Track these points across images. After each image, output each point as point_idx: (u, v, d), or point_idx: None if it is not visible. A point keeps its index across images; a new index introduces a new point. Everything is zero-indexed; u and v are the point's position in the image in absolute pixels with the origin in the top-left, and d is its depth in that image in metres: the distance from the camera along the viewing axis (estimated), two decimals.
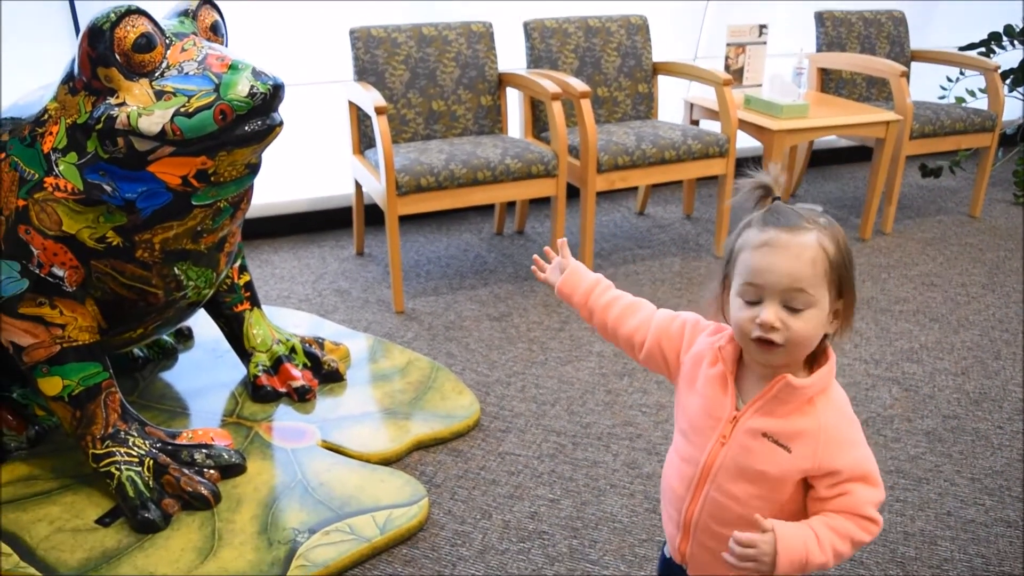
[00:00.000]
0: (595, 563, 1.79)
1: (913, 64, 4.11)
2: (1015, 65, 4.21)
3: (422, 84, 3.18)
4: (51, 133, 1.77)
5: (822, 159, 4.76)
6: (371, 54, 3.11)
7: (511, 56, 3.47)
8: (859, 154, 4.83)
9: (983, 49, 4.20)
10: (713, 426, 1.10)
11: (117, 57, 1.68)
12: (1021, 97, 4.37)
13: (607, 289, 1.29)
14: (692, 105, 3.70)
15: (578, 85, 3.00)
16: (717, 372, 1.11)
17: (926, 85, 4.31)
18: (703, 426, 1.12)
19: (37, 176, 1.77)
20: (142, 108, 1.69)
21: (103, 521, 1.86)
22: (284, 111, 1.84)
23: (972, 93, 4.12)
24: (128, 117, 1.69)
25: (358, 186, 3.26)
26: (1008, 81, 4.16)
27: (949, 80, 4.31)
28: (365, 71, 3.10)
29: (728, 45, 3.73)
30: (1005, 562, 1.80)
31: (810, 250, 1.00)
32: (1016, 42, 4.18)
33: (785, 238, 1.01)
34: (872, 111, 3.46)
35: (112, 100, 1.71)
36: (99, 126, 1.71)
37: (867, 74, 3.95)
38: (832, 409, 1.05)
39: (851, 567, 1.78)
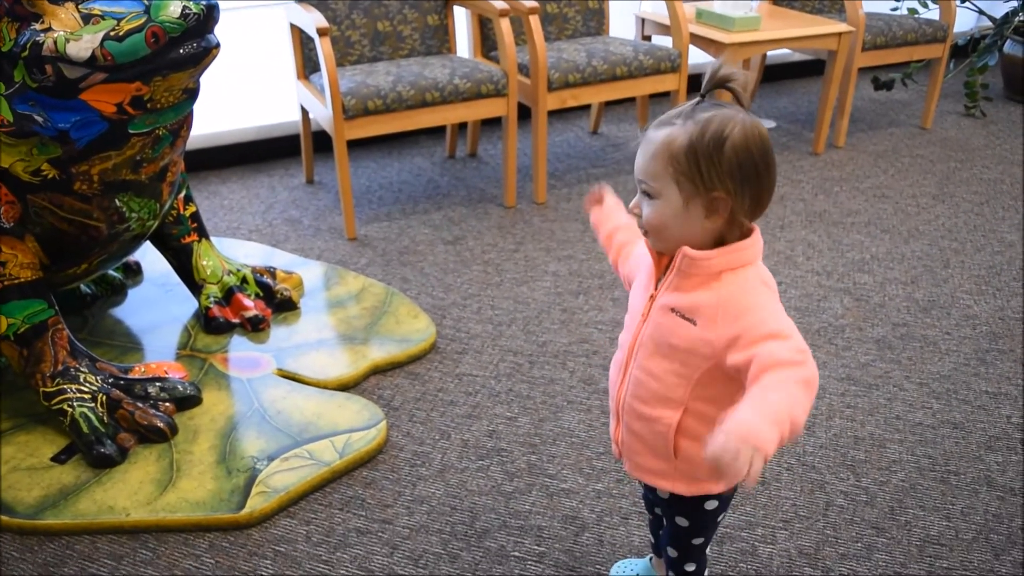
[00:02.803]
0: (553, 477, 1.82)
1: None
2: None
3: (366, 4, 3.09)
4: None
5: (775, 74, 4.74)
6: None
7: None
8: (812, 68, 4.82)
9: None
10: (639, 309, 1.18)
11: None
12: (973, 8, 4.37)
13: (625, 229, 1.34)
14: (643, 20, 3.64)
15: (527, 1, 2.93)
16: (648, 261, 1.17)
17: None
18: (634, 311, 1.20)
19: None
20: (69, 33, 1.62)
21: (59, 458, 1.85)
22: (223, 34, 1.78)
23: (924, 4, 4.10)
24: (55, 43, 1.61)
25: (305, 112, 3.19)
26: None
27: None
28: None
29: None
30: (951, 462, 1.87)
31: (654, 145, 1.07)
32: None
33: (649, 135, 1.09)
34: (824, 23, 3.44)
35: (37, 26, 1.64)
36: (25, 53, 1.64)
37: None
38: (737, 283, 1.07)
39: (803, 472, 1.83)
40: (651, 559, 1.55)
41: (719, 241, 1.09)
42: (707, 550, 1.36)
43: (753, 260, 1.10)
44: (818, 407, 2.04)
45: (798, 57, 4.69)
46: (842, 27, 3.39)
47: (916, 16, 3.88)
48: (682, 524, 1.28)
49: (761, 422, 0.94)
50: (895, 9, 4.16)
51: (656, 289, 1.15)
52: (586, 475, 1.83)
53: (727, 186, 1.05)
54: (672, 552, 1.33)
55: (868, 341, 2.31)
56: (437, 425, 1.99)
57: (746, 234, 1.10)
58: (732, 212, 1.07)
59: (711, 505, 1.25)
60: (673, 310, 1.10)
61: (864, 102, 4.35)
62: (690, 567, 1.35)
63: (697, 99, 1.09)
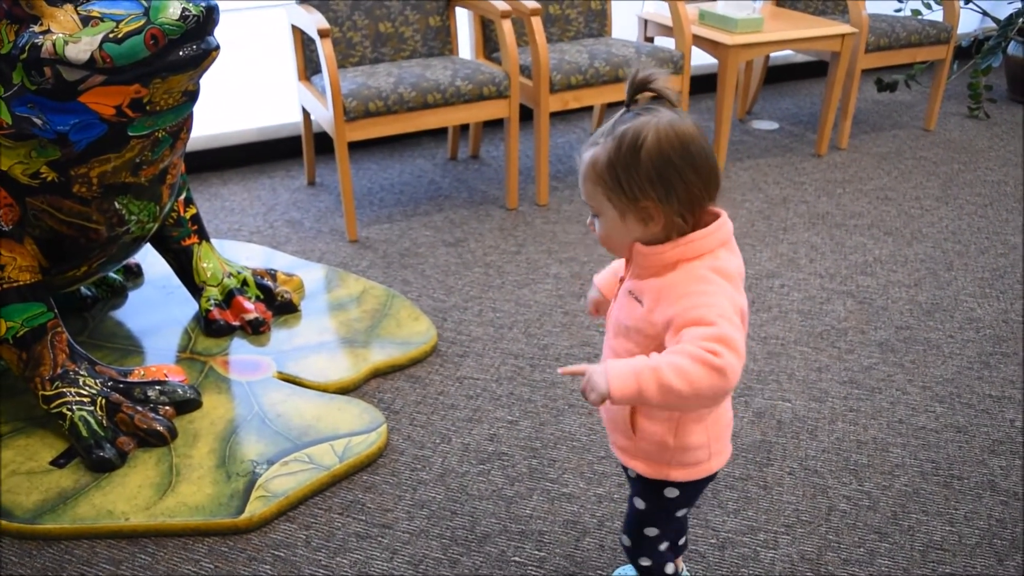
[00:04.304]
0: (555, 481, 1.81)
1: None
2: None
3: (368, 5, 3.08)
4: None
5: (778, 75, 4.73)
6: None
7: None
8: (815, 69, 4.81)
9: None
10: (613, 293, 1.26)
11: None
12: (977, 9, 4.35)
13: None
14: (646, 22, 3.63)
15: (528, 3, 2.92)
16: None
17: None
18: (612, 295, 1.29)
19: None
20: (68, 35, 1.61)
21: (58, 462, 1.84)
22: (223, 36, 1.77)
23: (928, 5, 4.09)
24: (54, 45, 1.61)
25: (306, 114, 3.18)
26: None
27: None
28: None
29: None
30: (954, 466, 1.85)
31: (584, 167, 1.13)
32: None
33: (581, 156, 1.15)
34: (828, 24, 3.42)
35: (36, 28, 1.63)
36: (24, 56, 1.63)
37: None
38: (685, 272, 1.10)
39: (805, 476, 1.82)
40: None
41: (676, 235, 1.11)
42: (664, 551, 1.34)
43: (710, 249, 1.10)
44: (820, 410, 2.03)
45: (801, 58, 4.68)
46: (845, 28, 3.38)
47: (920, 17, 3.87)
48: (639, 506, 1.30)
49: (623, 367, 1.06)
50: (899, 10, 4.15)
51: (625, 273, 1.20)
52: (588, 479, 1.82)
53: (651, 194, 1.08)
54: (626, 540, 1.35)
55: (871, 344, 2.30)
56: (438, 429, 1.98)
57: (709, 222, 1.11)
58: (670, 213, 1.09)
59: (671, 493, 1.25)
60: (630, 292, 1.16)
61: (867, 104, 4.33)
62: (644, 562, 1.35)
63: (622, 111, 1.12)
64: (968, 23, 4.67)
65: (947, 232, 2.95)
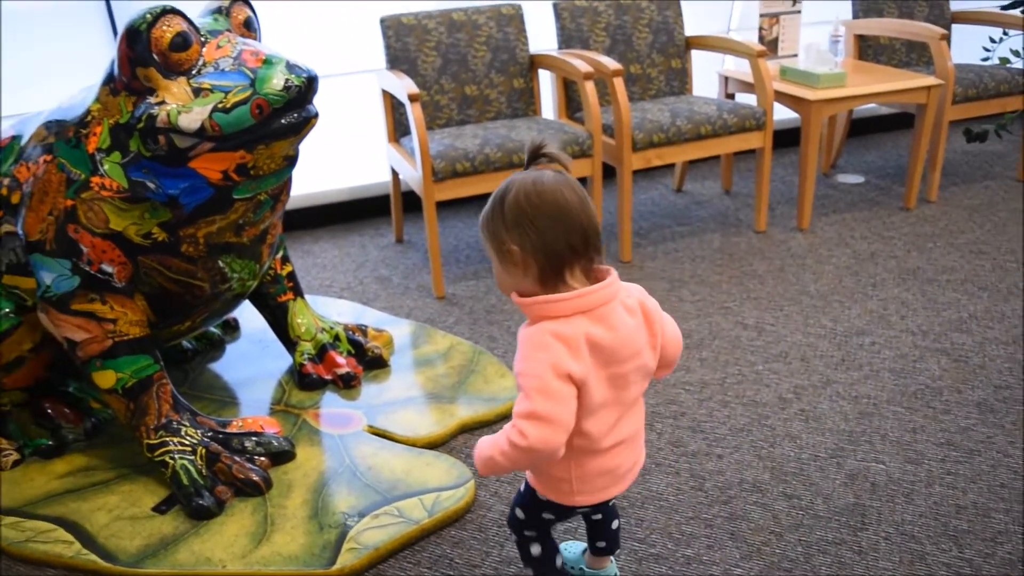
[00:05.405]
0: (642, 541, 1.80)
1: (954, 26, 4.01)
2: None
3: (454, 69, 3.19)
4: (95, 134, 1.81)
5: (862, 128, 4.68)
6: (402, 42, 3.12)
7: (542, 37, 3.46)
8: (901, 121, 4.74)
9: None
10: None
11: (155, 57, 1.72)
12: None
13: None
14: (727, 79, 3.66)
15: (610, 63, 2.98)
16: None
17: (969, 47, 4.20)
18: None
19: (83, 176, 1.82)
20: (181, 106, 1.72)
21: (159, 509, 1.92)
22: (319, 102, 1.86)
23: (1016, 53, 4.00)
24: (168, 115, 1.72)
25: (395, 174, 3.28)
26: None
27: (992, 41, 4.20)
28: (397, 59, 3.12)
29: (761, 16, 3.67)
30: None
31: (479, 222, 1.31)
32: None
33: None
34: (912, 77, 3.39)
35: (152, 99, 1.74)
36: (141, 125, 1.75)
37: (906, 39, 3.86)
38: (535, 331, 1.25)
39: (902, 542, 1.77)
40: (585, 551, 1.70)
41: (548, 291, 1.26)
42: (528, 536, 1.54)
43: (561, 314, 1.24)
44: (916, 473, 1.97)
45: (885, 110, 4.63)
46: (931, 80, 3.34)
47: (1008, 66, 3.80)
48: (521, 489, 1.53)
49: (486, 441, 1.31)
50: (986, 59, 4.07)
51: None
52: (675, 540, 1.80)
53: (511, 236, 1.24)
54: (509, 511, 1.56)
55: (968, 404, 2.23)
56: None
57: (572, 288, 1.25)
58: (533, 262, 1.24)
59: (542, 498, 1.45)
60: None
61: (956, 155, 4.25)
62: (513, 537, 1.58)
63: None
64: None
65: None
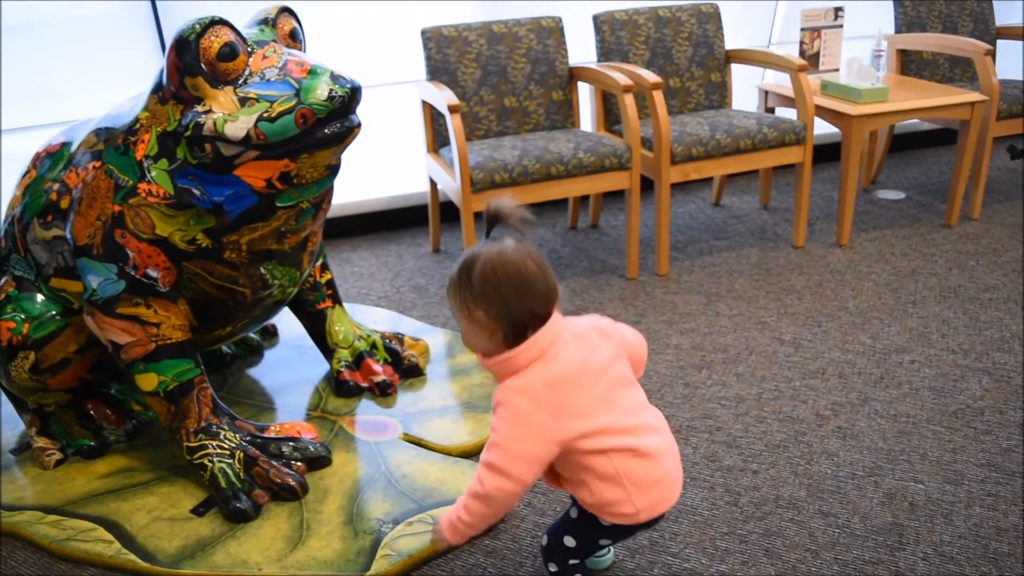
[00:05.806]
0: (676, 555, 1.79)
1: (999, 42, 3.96)
2: None
3: (494, 81, 3.21)
4: (143, 141, 1.85)
5: (904, 143, 4.63)
6: (443, 53, 3.15)
7: (581, 50, 3.47)
8: (943, 137, 4.69)
9: None
10: None
11: (203, 67, 1.75)
12: None
13: None
14: (767, 93, 3.64)
15: (649, 77, 2.98)
16: None
17: (1013, 62, 4.15)
18: None
19: (131, 182, 1.85)
20: (227, 115, 1.75)
21: (198, 511, 1.95)
22: (361, 112, 1.89)
23: None
24: (215, 124, 1.75)
25: (433, 184, 3.31)
26: None
27: None
28: (437, 70, 3.15)
29: (803, 30, 3.66)
30: None
31: (446, 290, 1.41)
32: None
33: None
34: (956, 92, 3.35)
35: (199, 108, 1.78)
36: (188, 133, 1.78)
37: (949, 54, 3.82)
38: (503, 389, 1.36)
39: (940, 563, 1.74)
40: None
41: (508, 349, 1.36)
42: (572, 564, 1.55)
43: (518, 367, 1.35)
44: (956, 493, 1.94)
45: (927, 126, 4.57)
46: (975, 96, 3.30)
47: None
48: (572, 516, 1.53)
49: (448, 512, 1.45)
50: None
51: None
52: (710, 555, 1.79)
53: (479, 305, 1.34)
54: (544, 540, 1.58)
55: (1010, 425, 2.19)
56: (558, 496, 1.99)
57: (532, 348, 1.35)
58: (498, 327, 1.34)
59: (605, 522, 1.46)
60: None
61: (999, 172, 4.19)
62: (552, 568, 1.57)
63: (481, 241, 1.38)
64: None
65: None
